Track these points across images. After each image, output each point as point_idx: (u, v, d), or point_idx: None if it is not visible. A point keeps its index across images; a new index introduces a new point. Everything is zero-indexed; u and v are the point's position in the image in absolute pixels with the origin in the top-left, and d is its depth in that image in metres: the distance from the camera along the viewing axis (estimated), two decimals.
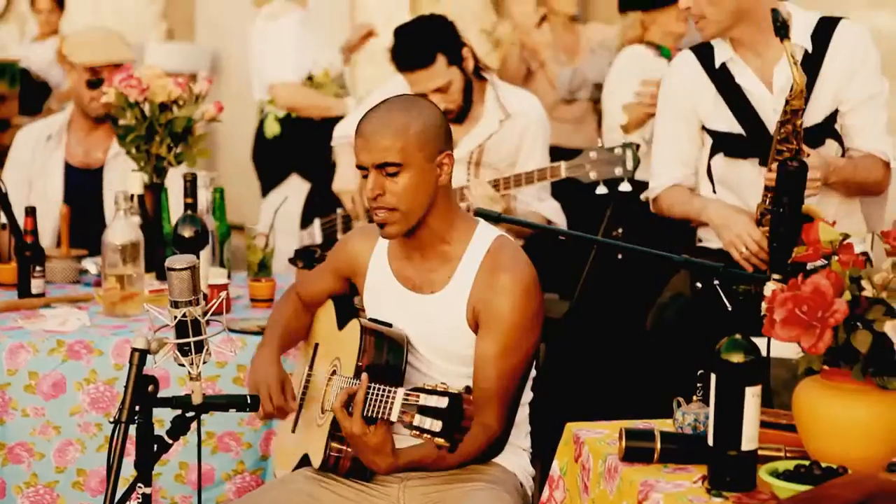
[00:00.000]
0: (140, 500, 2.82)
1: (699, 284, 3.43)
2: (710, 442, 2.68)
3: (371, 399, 3.06)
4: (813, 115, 3.86)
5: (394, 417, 2.95)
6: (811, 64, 3.87)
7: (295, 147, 6.31)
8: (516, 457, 3.40)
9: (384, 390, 3.03)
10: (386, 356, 3.25)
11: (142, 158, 4.31)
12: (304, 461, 3.38)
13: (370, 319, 3.34)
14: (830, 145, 3.92)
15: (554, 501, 3.13)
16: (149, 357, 2.81)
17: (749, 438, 2.65)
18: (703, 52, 4.01)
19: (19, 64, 9.12)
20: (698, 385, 3.19)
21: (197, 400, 2.89)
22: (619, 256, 4.78)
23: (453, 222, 3.27)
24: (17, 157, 4.98)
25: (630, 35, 5.80)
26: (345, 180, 4.92)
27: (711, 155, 4.02)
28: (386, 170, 3.15)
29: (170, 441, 3.03)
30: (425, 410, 2.86)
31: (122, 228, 3.97)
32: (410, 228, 3.21)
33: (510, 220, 3.61)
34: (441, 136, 3.21)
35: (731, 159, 3.97)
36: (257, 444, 3.83)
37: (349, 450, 3.24)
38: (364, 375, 3.11)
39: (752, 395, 2.65)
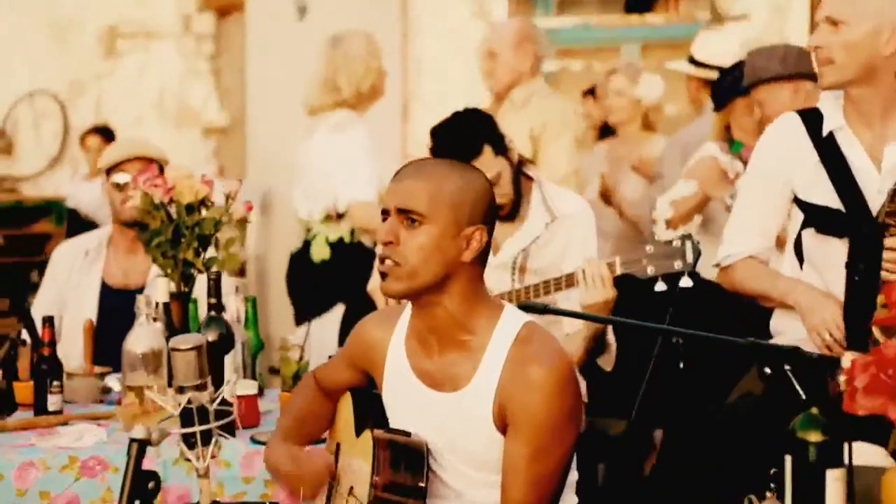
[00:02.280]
0: None
1: (768, 370, 3.08)
2: None
3: None
4: None
5: None
6: None
7: (346, 273, 5.78)
8: None
9: None
10: (404, 471, 2.91)
11: (168, 265, 4.05)
12: None
13: (385, 430, 2.99)
14: None
15: None
16: (150, 449, 2.52)
17: None
18: (811, 118, 3.67)
19: (66, 202, 9.03)
20: (771, 484, 2.85)
21: (205, 502, 2.58)
22: (681, 365, 4.44)
23: (475, 307, 2.91)
24: (53, 273, 4.80)
25: (715, 130, 5.58)
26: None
27: (802, 228, 3.68)
28: (408, 216, 2.84)
29: None
30: None
31: (143, 336, 3.69)
32: (414, 293, 2.87)
33: (558, 311, 3.28)
34: (479, 207, 2.89)
35: (822, 236, 3.61)
36: None
37: None
38: None
39: (834, 479, 2.32)
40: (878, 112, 3.58)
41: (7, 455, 3.49)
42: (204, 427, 2.54)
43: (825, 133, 3.63)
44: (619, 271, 3.95)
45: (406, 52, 9.30)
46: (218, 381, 3.55)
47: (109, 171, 4.79)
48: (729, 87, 5.53)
